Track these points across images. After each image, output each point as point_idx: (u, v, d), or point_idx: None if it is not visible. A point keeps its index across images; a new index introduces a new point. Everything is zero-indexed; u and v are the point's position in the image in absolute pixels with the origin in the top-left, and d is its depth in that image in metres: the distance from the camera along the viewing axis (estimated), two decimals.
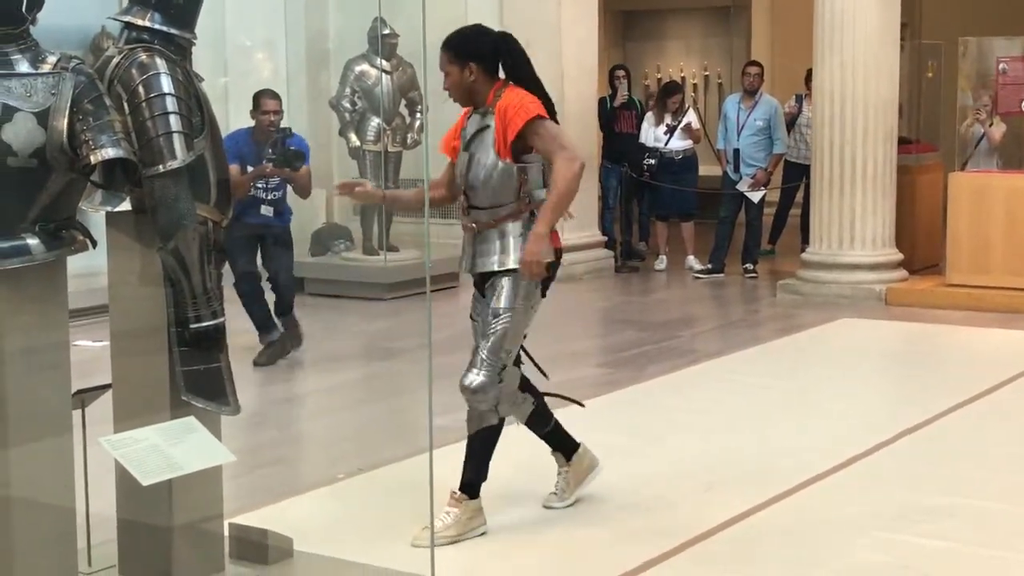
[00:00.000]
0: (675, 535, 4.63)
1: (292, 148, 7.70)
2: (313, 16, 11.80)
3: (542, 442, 4.96)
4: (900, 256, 9.92)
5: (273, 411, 6.58)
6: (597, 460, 5.05)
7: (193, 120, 3.63)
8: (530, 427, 4.91)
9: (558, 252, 4.73)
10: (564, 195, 4.52)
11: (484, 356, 4.58)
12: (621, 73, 12.01)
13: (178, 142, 3.55)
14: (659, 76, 15.90)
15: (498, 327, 4.57)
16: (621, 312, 9.75)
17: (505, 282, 4.59)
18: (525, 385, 4.84)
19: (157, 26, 3.65)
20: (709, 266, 11.08)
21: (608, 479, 5.19)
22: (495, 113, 4.59)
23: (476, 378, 4.57)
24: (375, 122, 10.32)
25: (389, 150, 10.37)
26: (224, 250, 3.86)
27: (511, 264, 4.57)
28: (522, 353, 4.82)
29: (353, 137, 10.37)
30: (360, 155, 10.40)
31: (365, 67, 10.35)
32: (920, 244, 10.60)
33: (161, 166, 3.53)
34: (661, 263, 11.50)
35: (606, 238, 11.64)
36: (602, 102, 11.75)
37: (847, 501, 5.05)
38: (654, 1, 16.30)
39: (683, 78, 15.52)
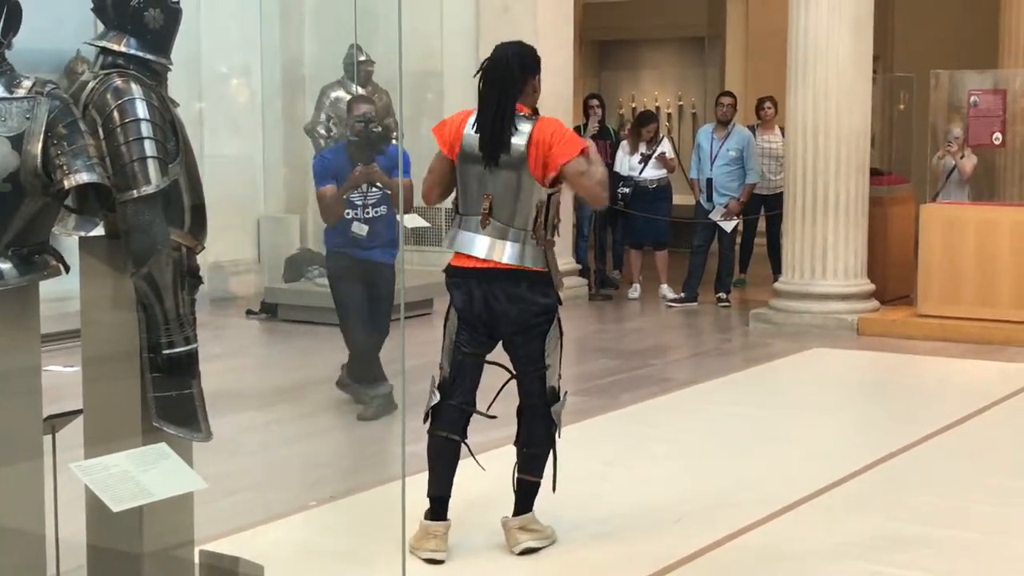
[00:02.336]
0: (645, 565, 4.62)
1: (376, 130, 6.79)
2: (289, 42, 11.83)
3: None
4: (872, 286, 9.98)
5: (245, 438, 6.55)
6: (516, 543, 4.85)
7: (168, 145, 3.63)
8: None
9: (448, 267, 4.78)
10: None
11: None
12: (595, 102, 12.06)
13: (152, 167, 3.54)
14: (634, 105, 15.97)
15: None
16: (594, 340, 9.76)
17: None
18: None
19: (133, 51, 3.65)
20: (682, 295, 11.12)
21: (579, 508, 5.18)
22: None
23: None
24: None
25: None
26: (199, 275, 3.84)
27: None
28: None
29: None
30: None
31: (341, 93, 10.36)
32: (892, 275, 10.67)
33: (135, 191, 3.53)
34: (635, 291, 11.53)
35: (580, 266, 11.66)
36: (576, 131, 11.76)
37: (819, 531, 5.06)
38: (629, 31, 16.38)
39: (657, 108, 15.60)
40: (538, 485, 4.83)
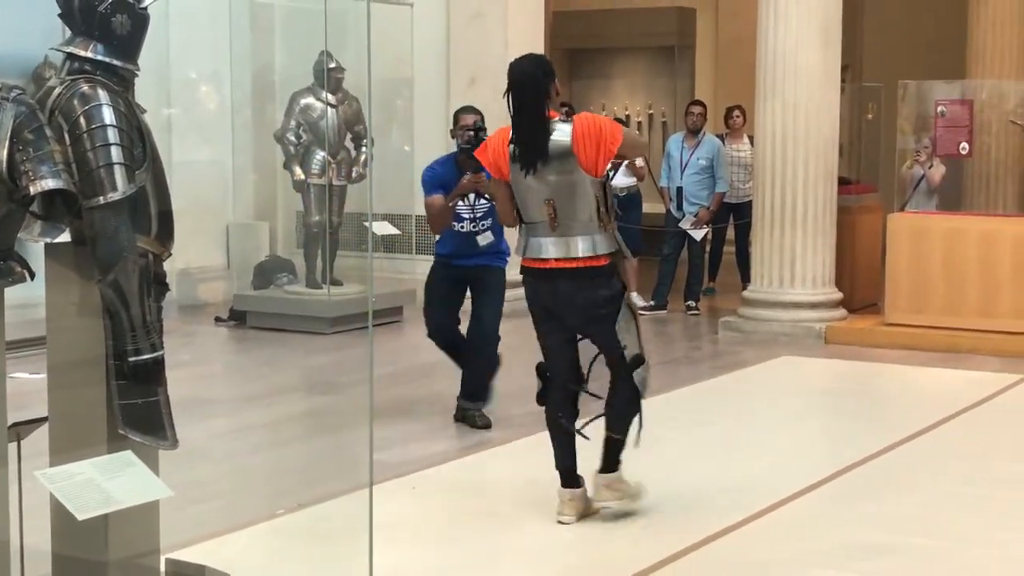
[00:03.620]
0: (613, 572, 4.63)
1: (484, 139, 6.36)
2: (259, 49, 11.80)
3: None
4: (840, 295, 10.02)
5: (213, 445, 6.52)
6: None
7: (135, 152, 3.61)
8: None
9: (525, 268, 5.14)
10: None
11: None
12: (566, 111, 12.05)
13: (119, 174, 3.53)
14: (604, 114, 15.99)
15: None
16: None
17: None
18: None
19: (100, 57, 3.63)
20: (652, 303, 11.14)
21: (546, 515, 5.19)
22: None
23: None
24: (320, 155, 10.31)
25: (334, 183, 10.35)
26: (165, 282, 3.83)
27: None
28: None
29: (298, 170, 10.35)
30: (305, 188, 10.38)
31: (311, 100, 10.35)
32: (859, 283, 10.72)
33: (102, 198, 3.51)
34: None
35: None
36: None
37: (786, 538, 5.07)
38: (600, 40, 16.41)
39: (628, 116, 15.63)
40: (622, 443, 5.19)
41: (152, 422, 3.69)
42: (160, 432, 3.71)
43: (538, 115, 4.94)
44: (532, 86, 4.97)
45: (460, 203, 6.74)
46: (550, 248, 4.99)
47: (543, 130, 4.93)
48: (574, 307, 5.04)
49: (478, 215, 6.81)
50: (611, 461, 5.19)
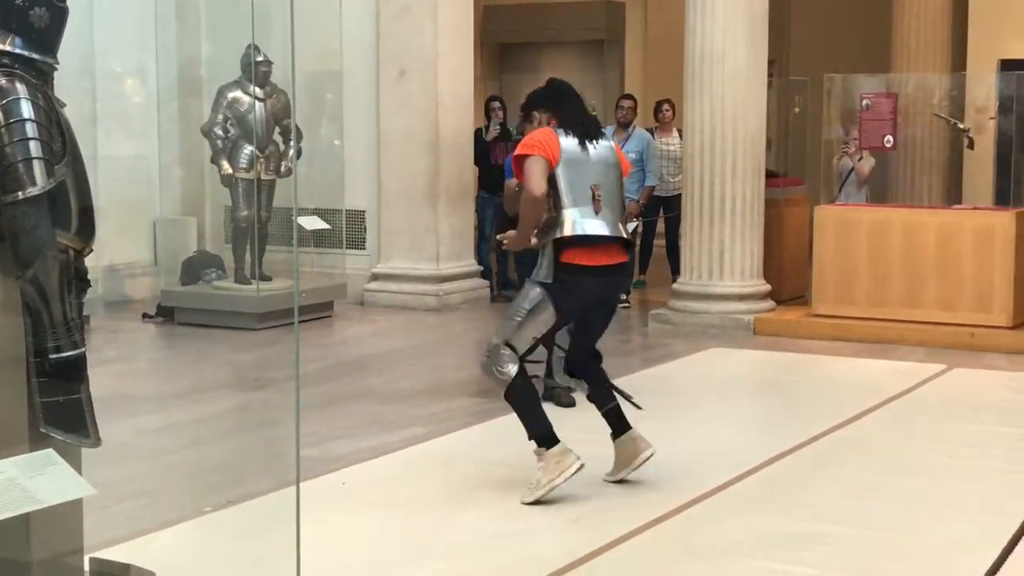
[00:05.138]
0: (540, 566, 4.63)
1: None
2: (185, 42, 11.68)
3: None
4: (768, 287, 10.12)
5: (139, 443, 6.45)
6: (647, 445, 5.66)
7: (54, 146, 3.55)
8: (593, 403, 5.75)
9: (568, 267, 5.39)
10: (521, 226, 5.55)
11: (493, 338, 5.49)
12: (496, 105, 12.07)
13: (38, 168, 3.47)
14: None
15: (506, 319, 5.51)
16: None
17: (527, 286, 5.48)
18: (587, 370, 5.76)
19: (18, 50, 3.57)
20: None
21: (478, 508, 5.18)
22: None
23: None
24: (248, 149, 10.23)
25: (262, 178, 10.27)
26: (87, 278, 3.77)
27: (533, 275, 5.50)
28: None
29: (225, 164, 10.26)
30: (233, 183, 10.29)
31: (238, 94, 10.26)
32: (787, 275, 10.82)
33: (20, 193, 3.45)
34: None
35: (481, 268, 11.66)
36: (478, 133, 11.80)
37: (714, 529, 5.11)
38: (530, 34, 16.45)
39: None
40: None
41: (74, 420, 3.64)
42: (82, 430, 3.66)
43: (585, 105, 5.69)
44: (570, 88, 5.72)
45: None
46: (600, 226, 5.38)
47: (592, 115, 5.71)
48: (612, 302, 5.77)
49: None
50: (626, 423, 5.69)
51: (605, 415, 5.71)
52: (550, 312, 5.41)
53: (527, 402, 5.46)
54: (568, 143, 5.42)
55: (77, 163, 3.69)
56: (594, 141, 5.48)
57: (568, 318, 5.61)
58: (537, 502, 5.31)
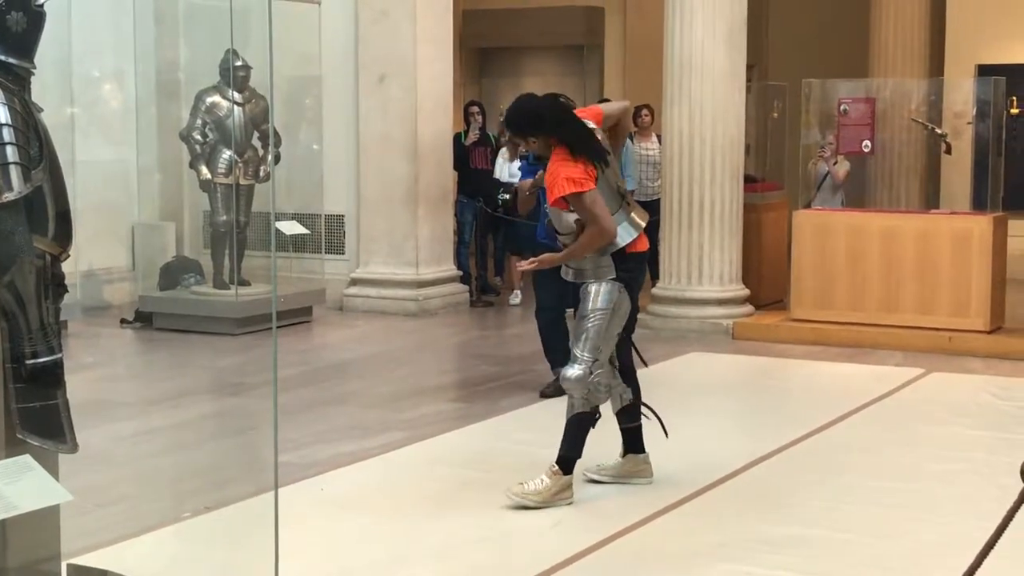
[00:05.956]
0: (520, 571, 4.63)
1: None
2: (163, 46, 11.65)
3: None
4: (747, 291, 10.14)
5: (117, 449, 6.43)
6: (650, 474, 5.78)
7: (31, 151, 3.54)
8: (618, 416, 5.75)
9: (633, 255, 5.51)
10: (576, 252, 5.49)
11: (577, 353, 5.42)
12: (476, 109, 12.08)
13: (15, 173, 3.46)
14: None
15: (588, 326, 5.43)
16: (476, 346, 9.77)
17: (592, 288, 5.45)
18: (630, 381, 5.76)
19: None
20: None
21: (459, 514, 5.18)
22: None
23: (571, 371, 5.43)
24: (227, 154, 10.20)
25: (241, 183, 10.26)
26: (63, 284, 3.76)
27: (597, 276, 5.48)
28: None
29: (204, 169, 10.23)
30: (211, 188, 10.27)
31: (217, 99, 10.24)
32: (766, 280, 10.85)
33: None
34: (516, 298, 11.56)
35: (461, 273, 11.66)
36: (457, 138, 11.80)
37: (695, 532, 5.12)
38: (510, 39, 16.44)
39: None
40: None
41: (51, 426, 3.62)
42: (59, 436, 3.64)
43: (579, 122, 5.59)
44: (566, 110, 5.73)
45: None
46: (640, 214, 5.60)
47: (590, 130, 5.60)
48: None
49: None
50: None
51: (626, 431, 5.79)
52: (627, 304, 5.50)
53: (582, 430, 5.50)
54: None
55: (54, 168, 3.67)
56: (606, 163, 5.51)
57: (636, 305, 5.67)
58: (521, 507, 5.33)
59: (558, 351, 7.44)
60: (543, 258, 5.76)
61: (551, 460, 5.47)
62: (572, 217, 5.45)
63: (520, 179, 7.90)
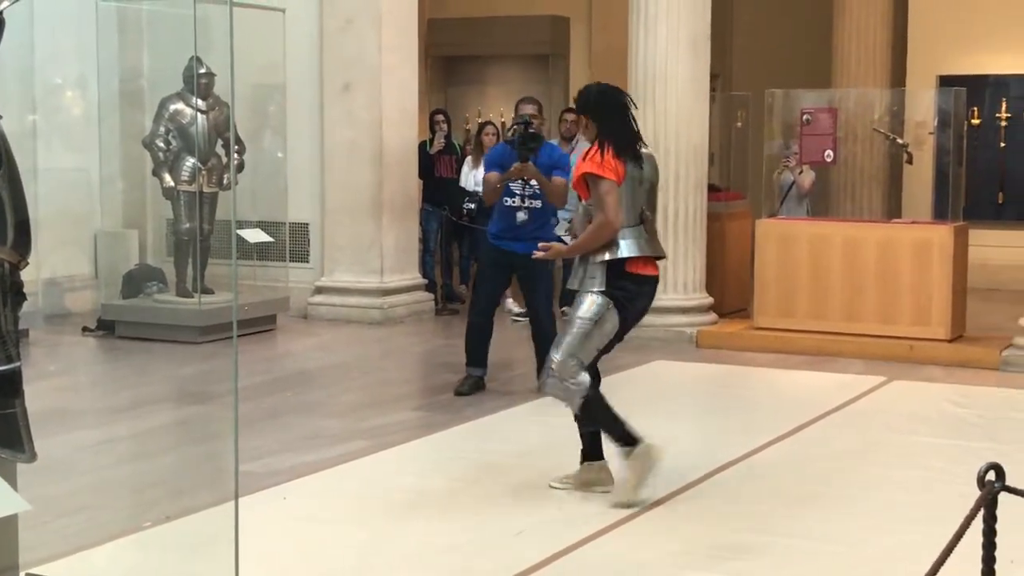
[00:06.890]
0: None
1: (532, 131, 7.53)
2: (126, 53, 11.58)
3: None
4: (710, 300, 10.18)
5: (77, 458, 6.38)
6: (610, 481, 5.69)
7: None
8: (576, 420, 5.69)
9: (635, 276, 5.53)
10: (582, 244, 5.52)
11: (552, 355, 5.48)
12: (440, 118, 12.08)
13: None
14: (480, 121, 16.04)
15: (570, 331, 5.48)
16: (440, 355, 9.76)
17: (586, 298, 5.48)
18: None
19: None
20: (524, 310, 11.16)
21: (423, 522, 5.17)
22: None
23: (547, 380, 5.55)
24: (190, 162, 10.16)
25: (204, 190, 10.21)
26: (22, 292, 3.73)
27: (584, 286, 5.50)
28: None
29: (167, 177, 10.18)
30: (174, 195, 10.22)
31: (180, 106, 10.20)
32: (729, 289, 10.91)
33: None
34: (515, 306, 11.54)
35: (426, 281, 11.65)
36: (422, 146, 11.80)
37: (658, 540, 5.13)
38: (475, 48, 16.47)
39: (503, 123, 15.69)
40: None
41: (9, 435, 3.59)
42: (17, 444, 3.62)
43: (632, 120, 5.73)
44: (624, 103, 5.78)
45: (516, 181, 7.60)
46: (658, 246, 5.71)
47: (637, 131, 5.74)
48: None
49: (527, 194, 7.65)
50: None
51: (584, 436, 5.77)
52: (615, 321, 5.48)
53: (604, 412, 5.55)
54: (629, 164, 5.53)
55: (13, 176, 3.65)
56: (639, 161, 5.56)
57: (628, 325, 5.62)
58: (628, 504, 5.45)
59: (475, 354, 7.98)
60: (553, 248, 5.84)
61: (614, 452, 5.59)
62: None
63: (486, 171, 8.02)
